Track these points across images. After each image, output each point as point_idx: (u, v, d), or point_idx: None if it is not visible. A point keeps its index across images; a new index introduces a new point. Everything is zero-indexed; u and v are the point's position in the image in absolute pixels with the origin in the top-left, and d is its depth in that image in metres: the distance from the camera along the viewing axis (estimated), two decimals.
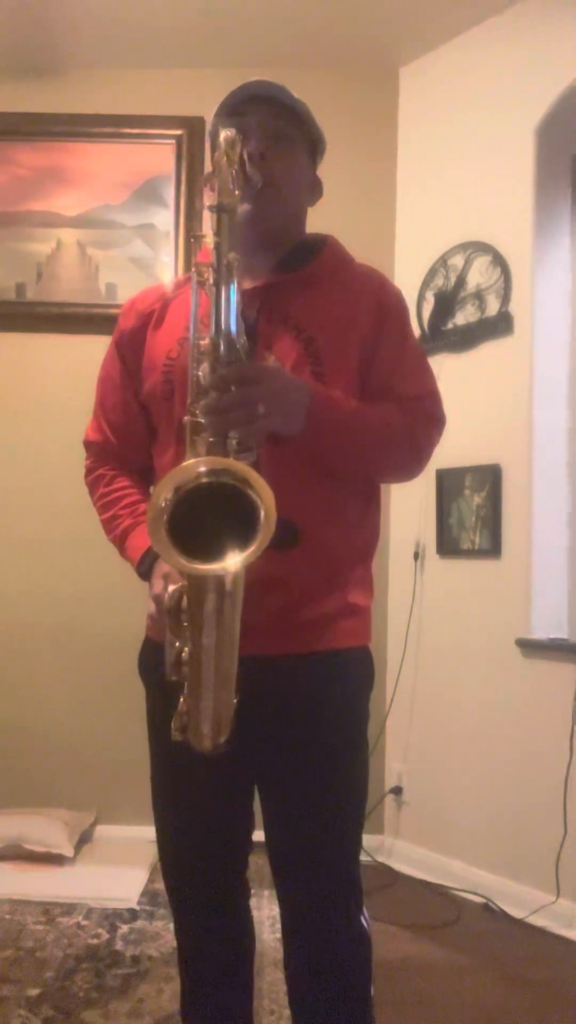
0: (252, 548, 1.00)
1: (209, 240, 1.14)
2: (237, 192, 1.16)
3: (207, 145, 1.41)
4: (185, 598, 1.11)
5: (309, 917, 1.31)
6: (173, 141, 3.26)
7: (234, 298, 1.14)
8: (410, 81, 3.25)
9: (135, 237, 3.29)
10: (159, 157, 3.27)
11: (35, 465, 3.22)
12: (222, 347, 1.12)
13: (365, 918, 1.33)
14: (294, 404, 1.19)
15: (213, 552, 1.01)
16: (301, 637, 1.28)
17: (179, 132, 3.24)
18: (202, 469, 1.04)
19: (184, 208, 3.25)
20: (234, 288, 1.14)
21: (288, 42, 3.11)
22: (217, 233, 1.13)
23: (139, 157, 3.29)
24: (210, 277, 1.14)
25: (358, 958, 1.32)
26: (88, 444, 1.47)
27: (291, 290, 1.33)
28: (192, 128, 3.22)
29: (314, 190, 1.43)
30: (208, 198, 1.18)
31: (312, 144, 1.40)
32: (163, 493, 1.02)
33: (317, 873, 1.30)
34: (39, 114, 3.28)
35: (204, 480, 1.03)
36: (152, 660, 1.33)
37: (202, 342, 1.15)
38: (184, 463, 1.06)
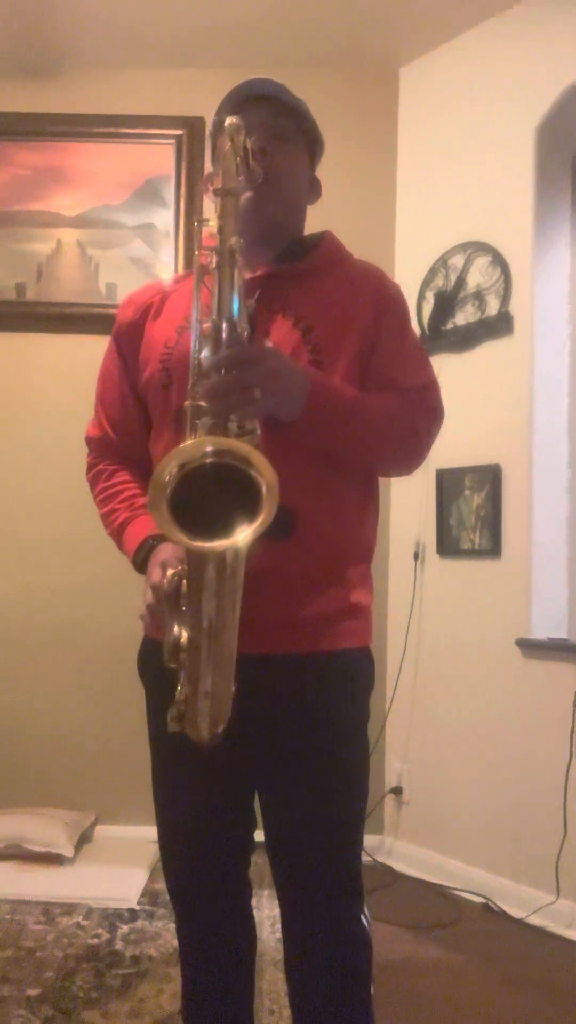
0: (254, 525, 0.99)
1: (213, 224, 1.14)
2: (241, 178, 1.16)
3: (207, 145, 1.41)
4: (184, 582, 1.09)
5: (310, 917, 1.31)
6: (173, 141, 3.26)
7: (237, 282, 1.13)
8: (410, 81, 3.25)
9: (135, 237, 3.29)
10: (159, 157, 3.28)
11: (35, 465, 3.22)
12: (224, 330, 1.12)
13: (366, 918, 1.33)
14: (292, 386, 1.19)
15: (215, 531, 1.00)
16: (303, 636, 1.27)
17: (179, 132, 3.24)
18: (208, 449, 1.03)
19: (184, 208, 3.25)
20: (237, 272, 1.13)
21: (288, 42, 3.12)
22: (221, 217, 1.13)
23: (139, 157, 3.29)
24: (213, 261, 1.14)
25: (358, 958, 1.31)
26: (89, 440, 1.47)
27: (289, 281, 1.33)
28: (192, 128, 3.22)
29: (313, 189, 1.44)
30: (212, 189, 1.18)
31: (311, 144, 1.41)
32: (167, 468, 1.01)
33: (318, 873, 1.29)
34: (39, 114, 3.29)
35: (208, 460, 1.02)
36: (151, 659, 1.32)
37: (204, 325, 1.14)
38: (189, 441, 1.05)
